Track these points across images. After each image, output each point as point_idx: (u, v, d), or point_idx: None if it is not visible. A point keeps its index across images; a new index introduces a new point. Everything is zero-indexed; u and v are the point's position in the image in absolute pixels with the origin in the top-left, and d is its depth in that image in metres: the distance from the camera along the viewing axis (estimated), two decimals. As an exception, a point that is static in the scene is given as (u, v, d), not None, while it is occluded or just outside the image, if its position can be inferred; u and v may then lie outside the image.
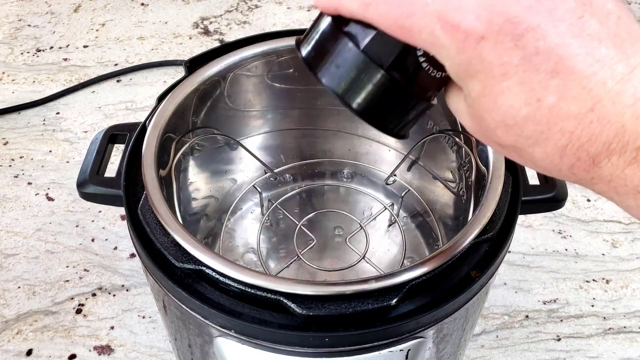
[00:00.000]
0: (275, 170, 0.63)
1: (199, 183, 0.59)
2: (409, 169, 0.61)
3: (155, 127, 0.47)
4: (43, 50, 1.00)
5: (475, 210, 0.42)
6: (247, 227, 0.61)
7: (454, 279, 0.40)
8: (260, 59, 0.54)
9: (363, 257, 0.56)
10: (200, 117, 0.53)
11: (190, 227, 0.57)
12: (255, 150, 0.61)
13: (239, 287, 0.37)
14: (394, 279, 0.37)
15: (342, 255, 0.58)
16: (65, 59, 0.98)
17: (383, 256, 0.59)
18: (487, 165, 0.45)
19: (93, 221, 0.75)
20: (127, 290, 0.69)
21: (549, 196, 0.47)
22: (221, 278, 0.38)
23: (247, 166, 0.62)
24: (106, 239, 0.73)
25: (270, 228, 0.61)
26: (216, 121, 0.56)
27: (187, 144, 0.52)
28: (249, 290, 0.37)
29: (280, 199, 0.62)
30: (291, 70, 0.56)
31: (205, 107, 0.53)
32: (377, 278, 0.37)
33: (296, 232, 0.58)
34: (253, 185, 0.62)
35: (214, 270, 0.38)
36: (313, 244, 0.56)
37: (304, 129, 0.63)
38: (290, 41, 0.54)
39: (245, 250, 0.59)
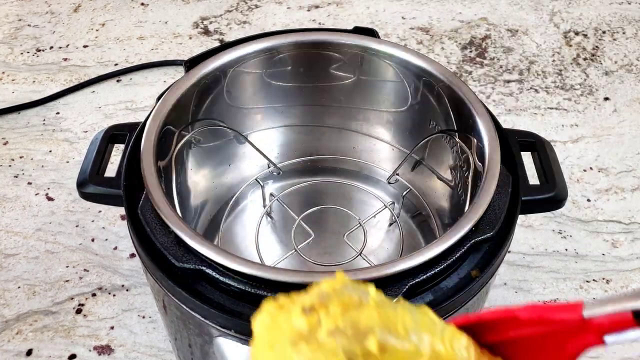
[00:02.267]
0: (278, 165, 0.63)
1: (199, 177, 0.59)
2: (412, 168, 0.61)
3: (155, 120, 0.47)
4: (43, 50, 1.00)
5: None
6: (247, 221, 0.61)
7: (453, 278, 0.40)
8: (263, 55, 0.54)
9: (360, 254, 0.56)
10: (201, 111, 0.54)
11: (191, 220, 0.57)
12: (259, 144, 0.61)
13: (239, 286, 0.37)
14: (389, 269, 0.37)
15: (339, 252, 0.58)
16: (65, 59, 0.98)
17: (380, 254, 0.59)
18: (483, 164, 0.45)
19: (93, 221, 0.75)
20: (127, 290, 0.69)
21: (549, 196, 0.47)
22: (221, 278, 0.38)
23: (249, 160, 0.62)
24: (106, 239, 0.73)
25: (270, 222, 0.62)
26: (219, 116, 0.56)
27: (187, 137, 0.52)
28: (249, 290, 0.37)
29: (282, 193, 0.62)
30: (296, 68, 0.56)
31: (207, 101, 0.53)
32: (376, 266, 0.37)
33: (295, 226, 0.58)
34: (255, 179, 0.62)
35: (215, 262, 0.38)
36: (311, 238, 0.56)
37: (308, 126, 0.63)
38: (292, 37, 0.54)
39: (244, 243, 0.59)
